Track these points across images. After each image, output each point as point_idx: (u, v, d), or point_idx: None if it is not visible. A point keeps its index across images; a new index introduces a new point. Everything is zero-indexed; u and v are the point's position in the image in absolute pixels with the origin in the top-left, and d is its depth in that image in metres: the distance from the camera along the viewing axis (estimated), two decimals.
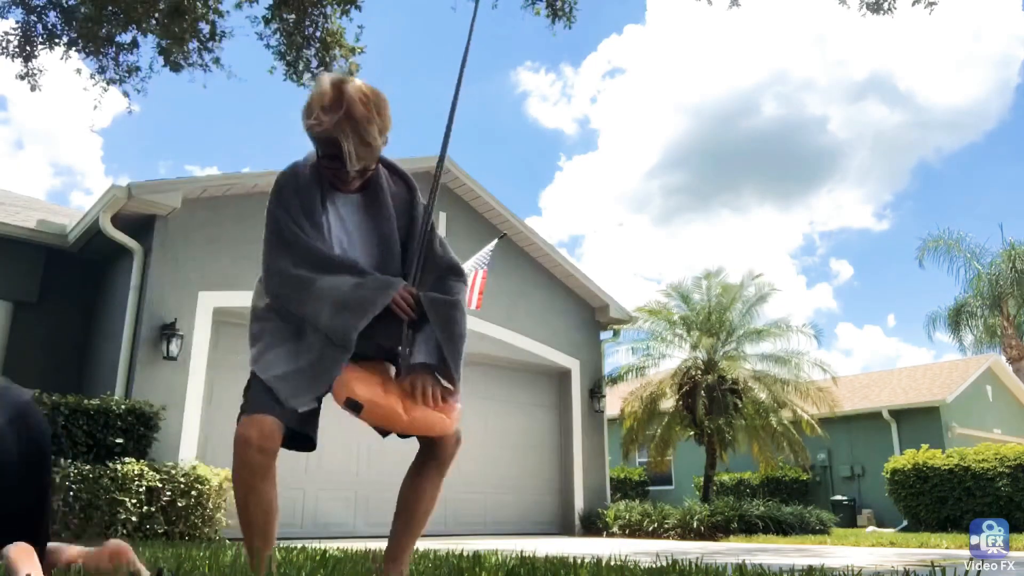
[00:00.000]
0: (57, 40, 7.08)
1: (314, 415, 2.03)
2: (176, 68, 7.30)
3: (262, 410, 1.90)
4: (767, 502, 10.08)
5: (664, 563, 2.71)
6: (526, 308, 11.04)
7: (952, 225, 38.63)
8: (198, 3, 6.99)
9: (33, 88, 7.26)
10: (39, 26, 7.07)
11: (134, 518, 5.96)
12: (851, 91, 37.57)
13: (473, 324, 9.95)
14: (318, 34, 7.40)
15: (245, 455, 1.87)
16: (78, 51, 7.12)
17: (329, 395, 2.01)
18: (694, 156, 40.32)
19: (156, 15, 6.86)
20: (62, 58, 7.15)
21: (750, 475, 17.64)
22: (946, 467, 11.72)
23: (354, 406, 1.94)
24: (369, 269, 2.07)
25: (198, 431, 7.53)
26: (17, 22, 7.12)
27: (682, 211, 46.06)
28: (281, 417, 1.91)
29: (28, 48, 7.10)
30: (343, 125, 1.91)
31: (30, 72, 7.22)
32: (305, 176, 2.08)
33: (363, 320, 1.95)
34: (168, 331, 7.57)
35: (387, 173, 2.22)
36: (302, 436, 2.03)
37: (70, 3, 6.99)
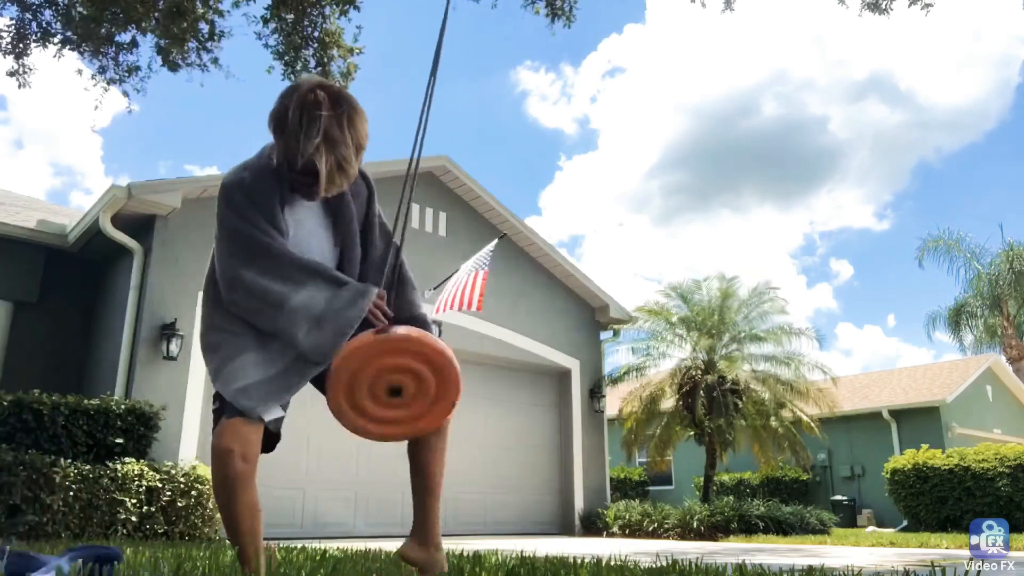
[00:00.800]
0: (51, 38, 7.08)
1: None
2: (174, 68, 7.30)
3: (239, 413, 1.86)
4: (767, 502, 10.08)
5: (664, 563, 2.71)
6: (526, 308, 11.04)
7: (952, 225, 38.70)
8: (198, 3, 6.98)
9: (21, 85, 7.26)
10: (33, 24, 7.07)
11: (134, 518, 5.96)
12: (851, 91, 37.59)
13: (473, 324, 10.02)
14: (316, 34, 7.40)
15: (228, 467, 1.82)
16: (72, 49, 7.11)
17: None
18: (694, 156, 40.35)
19: (156, 15, 6.86)
20: (55, 56, 7.14)
21: (750, 475, 17.64)
22: (946, 467, 11.72)
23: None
24: (332, 270, 2.01)
25: (198, 431, 7.52)
26: (11, 19, 7.12)
27: (682, 211, 46.09)
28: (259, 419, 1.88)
29: (21, 45, 7.09)
30: (320, 148, 1.84)
31: (21, 69, 7.21)
32: (260, 182, 1.97)
33: (343, 338, 1.91)
34: (168, 331, 7.57)
35: None
36: (272, 436, 2.01)
37: (66, 1, 6.99)
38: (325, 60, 7.45)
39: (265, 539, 2.03)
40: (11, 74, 7.24)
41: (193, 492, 6.41)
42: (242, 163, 2.04)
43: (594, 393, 11.56)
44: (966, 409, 17.27)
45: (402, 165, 8.91)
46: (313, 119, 1.83)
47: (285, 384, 1.92)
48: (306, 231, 2.04)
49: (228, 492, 1.85)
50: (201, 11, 7.08)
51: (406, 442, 2.11)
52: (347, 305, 1.93)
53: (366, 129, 1.94)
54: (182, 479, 6.39)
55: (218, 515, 6.59)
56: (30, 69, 7.29)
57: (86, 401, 6.33)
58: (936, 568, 2.54)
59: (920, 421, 16.60)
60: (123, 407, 6.50)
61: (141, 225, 7.99)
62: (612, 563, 2.59)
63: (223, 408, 1.90)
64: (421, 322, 2.11)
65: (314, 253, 2.05)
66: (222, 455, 1.83)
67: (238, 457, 1.83)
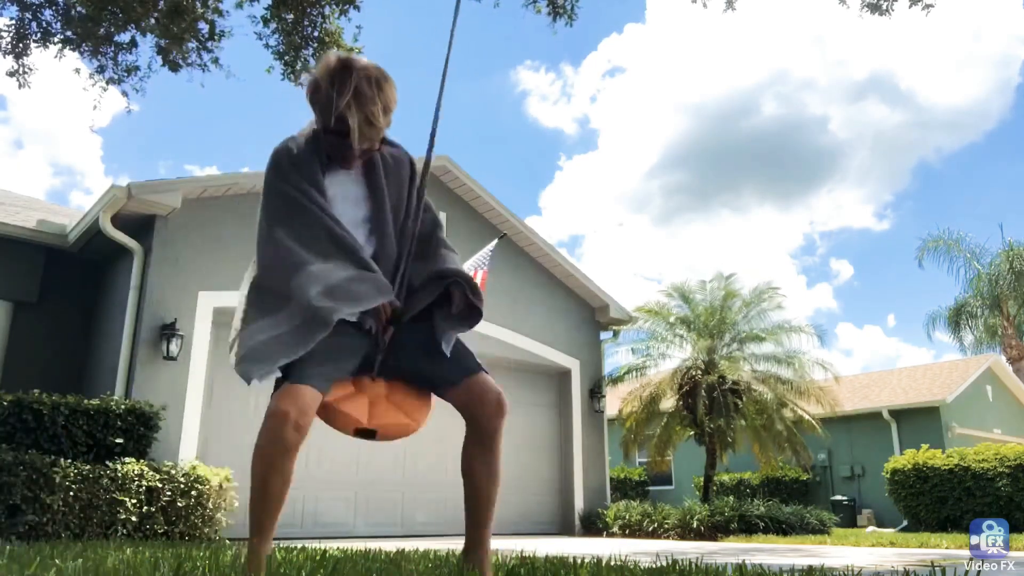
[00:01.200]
0: (51, 38, 7.08)
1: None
2: (175, 68, 7.31)
3: (302, 379, 1.86)
4: (767, 502, 10.07)
5: (664, 563, 2.70)
6: (526, 308, 11.04)
7: (952, 225, 38.67)
8: (197, 3, 6.98)
9: (21, 85, 7.26)
10: (33, 24, 7.07)
11: (134, 518, 5.96)
12: (851, 91, 37.58)
13: None
14: (316, 34, 7.41)
15: (279, 431, 1.79)
16: (72, 49, 7.12)
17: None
18: (694, 156, 40.33)
19: (155, 15, 6.86)
20: (56, 56, 7.15)
21: (750, 475, 17.64)
22: (946, 467, 11.72)
23: (367, 434, 1.95)
24: (363, 251, 2.05)
25: (198, 431, 7.52)
26: (11, 19, 7.12)
27: (682, 211, 46.06)
28: (320, 388, 1.89)
29: (20, 45, 7.09)
30: (351, 104, 1.94)
31: (20, 69, 7.21)
32: (303, 149, 2.07)
33: (350, 309, 1.94)
34: (168, 331, 7.56)
35: (388, 149, 2.22)
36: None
37: (65, 1, 6.99)
38: None
39: None
40: (11, 74, 7.24)
41: (193, 492, 6.40)
42: (291, 135, 2.15)
43: (594, 393, 11.55)
44: (966, 409, 17.26)
45: None
46: (344, 80, 1.95)
47: (291, 342, 1.90)
48: (346, 200, 2.11)
49: (271, 458, 1.80)
50: (201, 11, 7.08)
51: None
52: (366, 290, 1.98)
53: (394, 94, 2.05)
54: (182, 479, 6.38)
55: (218, 515, 6.60)
56: (30, 69, 7.30)
57: (86, 401, 6.33)
58: (936, 568, 2.54)
59: (920, 421, 16.60)
60: (123, 407, 6.50)
61: (141, 225, 7.99)
62: (612, 563, 2.58)
63: (286, 374, 1.90)
64: (451, 275, 2.20)
65: (350, 224, 2.10)
66: (275, 418, 1.79)
67: (292, 424, 1.79)
